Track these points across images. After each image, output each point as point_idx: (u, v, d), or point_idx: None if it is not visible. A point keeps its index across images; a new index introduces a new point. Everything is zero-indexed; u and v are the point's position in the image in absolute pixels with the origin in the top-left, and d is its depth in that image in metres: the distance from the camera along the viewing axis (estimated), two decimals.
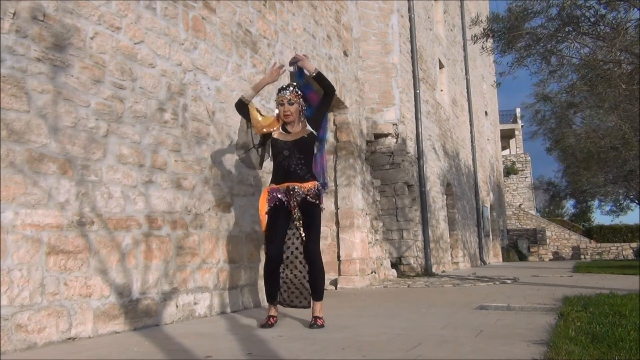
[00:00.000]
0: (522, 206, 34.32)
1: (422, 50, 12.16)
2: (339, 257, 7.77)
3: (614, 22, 7.02)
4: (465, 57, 17.28)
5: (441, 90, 14.31)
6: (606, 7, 7.10)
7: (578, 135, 14.23)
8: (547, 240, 29.14)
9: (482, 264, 17.02)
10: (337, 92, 7.59)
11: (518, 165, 35.63)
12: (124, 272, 3.60)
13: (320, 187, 3.82)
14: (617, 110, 10.26)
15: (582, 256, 27.64)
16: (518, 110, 37.37)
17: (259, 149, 4.08)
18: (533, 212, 34.43)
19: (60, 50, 3.28)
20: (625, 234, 31.38)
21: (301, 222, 3.78)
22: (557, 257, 28.96)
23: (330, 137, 7.97)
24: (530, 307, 4.63)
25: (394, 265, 9.70)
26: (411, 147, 10.73)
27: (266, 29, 5.78)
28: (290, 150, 3.75)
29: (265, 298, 3.89)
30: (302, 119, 3.86)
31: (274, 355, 2.71)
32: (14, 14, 3.01)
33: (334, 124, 8.16)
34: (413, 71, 11.21)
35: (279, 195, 3.74)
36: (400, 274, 9.60)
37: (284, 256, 3.88)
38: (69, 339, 3.16)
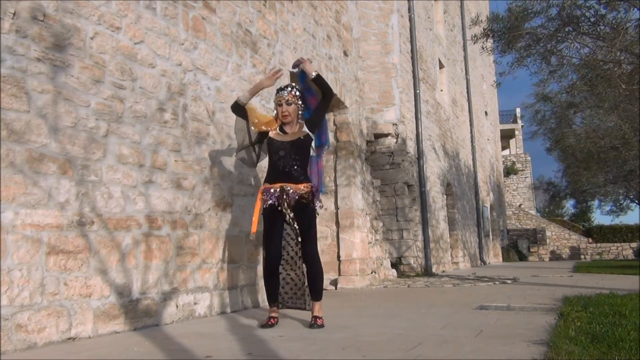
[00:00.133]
0: (522, 206, 34.32)
1: (422, 50, 12.16)
2: (339, 257, 7.77)
3: (614, 22, 7.02)
4: (465, 57, 17.28)
5: (441, 90, 14.31)
6: (606, 7, 7.10)
7: (578, 135, 14.23)
8: (547, 240, 29.14)
9: (482, 264, 17.02)
10: (337, 92, 7.60)
11: (518, 165, 35.64)
12: (124, 272, 3.60)
13: (314, 189, 3.82)
14: (617, 110, 10.26)
15: (582, 256, 27.64)
16: (518, 110, 37.38)
17: (256, 147, 4.09)
18: (533, 212, 34.43)
19: (60, 50, 3.28)
20: (625, 234, 31.37)
21: (295, 223, 3.78)
22: (556, 257, 28.97)
23: (330, 137, 7.97)
24: (530, 307, 4.63)
25: (394, 265, 9.70)
26: (411, 147, 10.73)
27: (266, 29, 5.78)
28: (286, 150, 3.75)
29: (266, 299, 3.89)
30: (300, 120, 3.87)
31: (274, 355, 2.71)
32: (14, 14, 3.01)
33: (334, 124, 8.16)
34: (413, 71, 11.21)
35: (272, 198, 3.73)
36: (400, 274, 9.60)
37: (283, 258, 3.89)
38: (69, 339, 3.16)
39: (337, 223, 7.86)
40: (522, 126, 36.65)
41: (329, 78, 7.41)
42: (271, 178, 3.80)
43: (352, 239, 7.74)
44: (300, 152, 3.79)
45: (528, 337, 3.05)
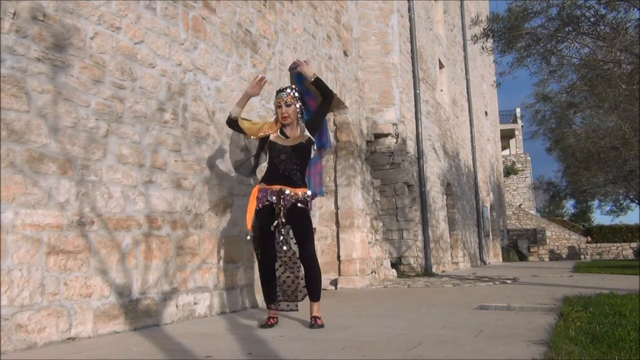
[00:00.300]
0: (522, 206, 34.33)
1: (422, 50, 12.16)
2: (339, 257, 7.77)
3: (614, 22, 7.02)
4: (465, 57, 17.28)
5: (441, 90, 14.31)
6: (606, 7, 7.10)
7: (578, 135, 14.24)
8: (547, 241, 29.15)
9: (482, 264, 17.02)
10: (337, 92, 7.60)
11: (518, 165, 35.64)
12: (124, 272, 3.60)
13: (309, 195, 3.81)
14: (617, 110, 10.26)
15: (582, 256, 27.64)
16: (518, 110, 37.38)
17: (254, 160, 4.08)
18: (533, 212, 34.43)
19: (60, 50, 3.28)
20: (625, 234, 31.39)
21: (287, 226, 3.77)
22: (555, 257, 28.97)
23: (330, 137, 7.97)
24: (530, 307, 4.63)
25: (394, 265, 9.70)
26: (411, 147, 10.73)
27: (266, 29, 5.78)
28: (287, 154, 3.74)
29: (264, 301, 3.88)
30: (300, 122, 3.86)
31: (274, 355, 2.71)
32: (14, 14, 3.01)
33: (334, 124, 8.16)
34: (413, 71, 11.21)
35: (269, 197, 3.72)
36: (400, 274, 9.61)
37: (279, 259, 3.88)
38: (69, 339, 3.16)
39: (337, 223, 7.86)
40: (522, 126, 36.65)
41: (329, 78, 7.41)
42: (269, 179, 3.79)
43: (352, 239, 7.74)
44: (301, 157, 3.79)
45: (528, 337, 3.05)
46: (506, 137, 37.63)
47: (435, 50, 13.59)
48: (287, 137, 3.81)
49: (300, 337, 3.28)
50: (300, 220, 3.74)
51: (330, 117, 8.01)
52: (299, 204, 3.73)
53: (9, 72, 2.96)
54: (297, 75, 4.04)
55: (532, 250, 27.72)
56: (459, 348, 2.79)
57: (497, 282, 7.97)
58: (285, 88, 3.89)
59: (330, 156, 8.00)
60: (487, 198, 19.76)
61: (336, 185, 7.94)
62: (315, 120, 3.90)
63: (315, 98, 3.99)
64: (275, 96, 3.91)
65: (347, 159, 8.02)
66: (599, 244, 28.85)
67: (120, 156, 3.66)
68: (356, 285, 7.52)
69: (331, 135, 8.06)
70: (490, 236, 19.77)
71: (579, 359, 2.40)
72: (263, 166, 4.28)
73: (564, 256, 29.33)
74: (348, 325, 3.76)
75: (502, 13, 8.12)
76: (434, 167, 12.49)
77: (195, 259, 4.32)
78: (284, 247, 3.83)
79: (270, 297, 3.82)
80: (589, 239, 30.63)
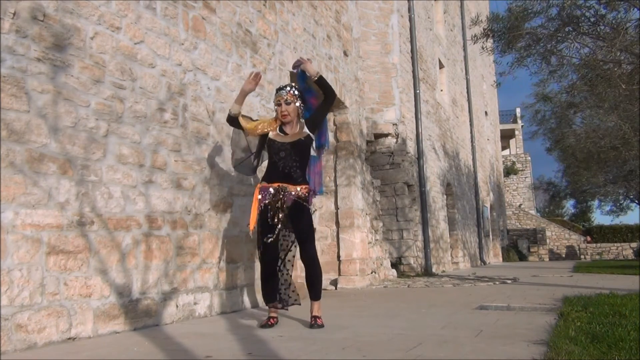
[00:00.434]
0: (522, 206, 34.32)
1: (422, 50, 12.16)
2: (339, 257, 7.77)
3: (614, 22, 7.03)
4: (465, 57, 17.28)
5: (441, 90, 14.31)
6: (606, 7, 7.10)
7: (578, 135, 14.25)
8: (547, 241, 29.15)
9: (482, 264, 17.02)
10: (337, 92, 7.59)
11: (518, 165, 35.64)
12: (124, 272, 3.60)
13: (311, 192, 3.81)
14: (617, 110, 10.26)
15: (582, 256, 27.64)
16: (518, 110, 37.38)
17: (254, 158, 4.08)
18: (533, 212, 34.43)
19: (60, 50, 3.28)
20: (625, 234, 31.39)
21: (288, 224, 3.78)
22: (555, 257, 28.97)
23: (330, 137, 7.97)
24: (530, 307, 4.63)
25: (394, 265, 9.70)
26: (411, 147, 10.73)
27: (266, 29, 5.78)
28: (286, 152, 3.74)
29: (264, 300, 3.88)
30: (300, 120, 3.86)
31: (274, 355, 2.71)
32: (14, 14, 3.01)
33: (334, 124, 8.16)
34: (413, 71, 11.21)
35: (269, 196, 3.71)
36: (400, 274, 9.60)
37: (280, 258, 3.89)
38: (69, 339, 3.16)
39: (337, 223, 7.86)
40: (522, 126, 36.65)
41: (329, 78, 7.41)
42: (270, 177, 3.79)
43: (352, 239, 7.74)
44: (301, 154, 3.78)
45: (528, 337, 3.05)
46: (506, 137, 37.62)
47: (435, 50, 13.59)
48: (286, 134, 3.81)
49: (300, 337, 3.28)
50: (301, 219, 3.74)
51: (330, 117, 8.01)
52: (300, 201, 3.72)
53: (9, 72, 2.96)
54: (300, 73, 4.04)
55: (532, 250, 27.73)
56: (459, 348, 2.79)
57: (497, 282, 7.97)
58: (285, 86, 3.88)
59: (330, 156, 8.00)
60: (487, 198, 19.77)
61: (336, 185, 7.94)
62: (316, 119, 3.89)
63: (317, 96, 3.99)
64: (275, 94, 3.90)
65: (347, 159, 8.02)
66: (599, 244, 28.85)
67: (120, 156, 3.66)
68: (356, 285, 7.52)
69: (331, 135, 8.06)
70: (490, 236, 19.77)
71: (579, 359, 2.40)
72: (264, 165, 4.29)
73: (563, 256, 29.34)
74: (348, 325, 3.76)
75: (502, 13, 8.13)
76: (434, 167, 12.49)
77: (195, 259, 4.32)
78: (285, 243, 3.85)
79: (270, 296, 3.82)
80: (588, 238, 30.62)
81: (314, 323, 3.65)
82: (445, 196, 13.59)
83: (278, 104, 3.83)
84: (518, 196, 35.25)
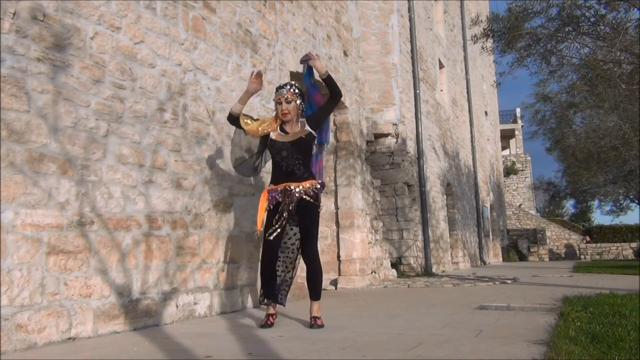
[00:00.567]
0: (522, 206, 34.32)
1: (422, 50, 12.16)
2: (339, 257, 7.77)
3: (614, 22, 7.03)
4: (465, 57, 17.28)
5: (441, 90, 14.31)
6: (606, 7, 7.11)
7: (578, 135, 14.25)
8: (547, 241, 29.15)
9: (482, 264, 17.02)
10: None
11: (518, 165, 35.63)
12: (124, 272, 3.60)
13: (319, 186, 3.81)
14: (617, 110, 10.27)
15: (582, 256, 27.64)
16: (518, 110, 37.36)
17: (256, 159, 4.08)
18: (533, 212, 34.43)
19: (60, 50, 3.28)
20: (625, 234, 31.37)
21: (295, 222, 3.78)
22: (555, 257, 28.98)
23: (330, 137, 7.97)
24: (530, 307, 4.63)
25: (394, 265, 9.70)
26: (411, 147, 10.73)
27: (266, 29, 5.78)
28: (288, 150, 3.74)
29: (264, 297, 3.88)
30: (301, 118, 3.85)
31: (274, 355, 2.71)
32: (14, 14, 3.01)
33: (334, 124, 8.16)
34: (413, 71, 11.20)
35: (277, 197, 3.73)
36: (400, 274, 9.60)
37: (283, 256, 3.89)
38: (69, 339, 3.16)
39: (337, 223, 7.86)
40: (522, 126, 36.64)
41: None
42: (276, 179, 3.80)
43: (352, 239, 7.74)
44: (302, 151, 3.77)
45: (528, 337, 3.05)
46: (506, 137, 37.61)
47: (435, 50, 13.59)
48: (286, 133, 3.81)
49: (300, 337, 3.28)
50: (306, 217, 3.74)
51: (330, 117, 8.00)
52: (307, 198, 3.72)
53: (9, 72, 2.96)
54: (306, 68, 4.03)
55: (532, 250, 27.73)
56: (458, 348, 2.79)
57: (497, 282, 7.97)
58: (285, 84, 3.88)
59: (330, 156, 8.00)
60: (487, 198, 19.77)
61: (336, 185, 7.94)
62: (319, 116, 3.89)
63: (322, 93, 3.98)
64: (275, 92, 3.89)
65: (347, 159, 8.02)
66: (599, 244, 28.84)
67: (120, 156, 3.66)
68: (356, 285, 7.52)
69: (331, 135, 8.06)
70: (490, 236, 19.77)
71: (579, 359, 2.40)
72: (268, 166, 4.28)
73: (563, 256, 29.34)
74: (348, 325, 3.76)
75: (502, 13, 8.13)
76: (434, 167, 12.49)
77: (195, 259, 4.32)
78: (289, 241, 3.85)
79: (269, 294, 3.81)
80: (587, 238, 30.60)
81: (314, 323, 3.65)
82: (445, 196, 13.59)
83: (279, 103, 3.82)
84: (518, 196, 35.25)
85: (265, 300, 3.81)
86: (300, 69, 4.19)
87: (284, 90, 3.81)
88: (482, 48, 9.36)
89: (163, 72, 4.15)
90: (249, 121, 3.89)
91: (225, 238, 4.74)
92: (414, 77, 11.20)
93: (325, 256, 7.64)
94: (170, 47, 4.25)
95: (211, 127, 4.72)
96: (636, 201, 21.91)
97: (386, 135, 10.23)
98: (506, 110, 40.05)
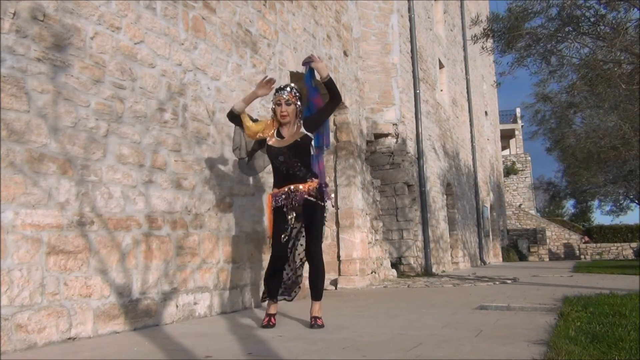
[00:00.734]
0: (522, 206, 34.32)
1: (422, 50, 12.16)
2: (339, 257, 7.77)
3: (614, 22, 7.03)
4: (465, 57, 17.28)
5: (441, 90, 14.31)
6: (606, 7, 7.11)
7: (578, 135, 14.25)
8: (547, 241, 29.14)
9: (482, 264, 17.02)
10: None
11: (518, 165, 35.63)
12: (124, 272, 3.60)
13: (323, 186, 3.81)
14: (617, 110, 10.27)
15: (583, 256, 27.64)
16: (518, 110, 37.36)
17: (250, 159, 4.07)
18: (533, 212, 34.42)
19: (60, 50, 3.28)
20: (625, 234, 31.36)
21: (300, 223, 3.78)
22: (555, 257, 28.98)
23: (330, 137, 7.97)
24: (530, 307, 4.63)
25: (394, 265, 9.70)
26: (411, 147, 10.73)
27: (266, 29, 5.78)
28: (285, 155, 3.72)
29: (267, 295, 3.88)
30: (299, 121, 3.83)
31: (274, 355, 2.71)
32: (14, 14, 3.01)
33: (334, 124, 8.16)
34: (413, 71, 11.20)
35: (280, 200, 3.73)
36: (400, 274, 9.60)
37: (290, 257, 3.90)
38: (69, 339, 3.16)
39: (337, 223, 7.86)
40: (522, 126, 36.64)
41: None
42: (278, 183, 3.79)
43: (352, 239, 7.74)
44: (300, 154, 3.75)
45: (528, 337, 3.05)
46: (506, 137, 37.61)
47: (435, 50, 13.59)
48: (283, 137, 3.79)
49: (300, 337, 3.28)
50: (311, 217, 3.74)
51: (330, 117, 8.00)
52: (311, 198, 3.72)
53: (9, 72, 2.96)
54: (309, 70, 4.01)
55: (532, 250, 27.72)
56: (458, 348, 2.79)
57: (497, 282, 7.97)
58: (286, 86, 3.84)
59: (330, 156, 8.00)
60: (487, 198, 19.77)
61: (336, 185, 7.94)
62: (317, 119, 3.87)
63: (322, 96, 3.97)
64: (275, 93, 3.83)
65: (347, 159, 8.02)
66: (599, 244, 28.83)
67: (120, 156, 3.66)
68: (356, 285, 7.52)
69: (331, 135, 8.05)
70: (490, 236, 19.77)
71: (579, 359, 2.40)
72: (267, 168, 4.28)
73: (563, 256, 29.33)
74: (348, 325, 3.76)
75: (502, 13, 8.13)
76: (434, 167, 12.49)
77: (195, 259, 4.32)
78: (297, 242, 3.86)
79: (273, 292, 3.81)
80: (586, 238, 30.58)
81: (314, 323, 3.65)
82: (445, 196, 13.59)
83: (278, 104, 3.79)
84: (518, 196, 35.24)
85: (268, 299, 3.81)
86: (300, 69, 4.18)
87: (285, 92, 3.78)
88: (482, 48, 9.36)
89: (163, 72, 4.15)
90: (249, 122, 3.89)
91: (225, 238, 4.74)
92: (414, 77, 11.20)
93: (325, 256, 7.56)
94: (170, 47, 4.25)
95: (211, 127, 4.72)
96: (636, 201, 21.91)
97: (386, 135, 10.23)
98: (506, 110, 40.07)
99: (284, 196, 3.72)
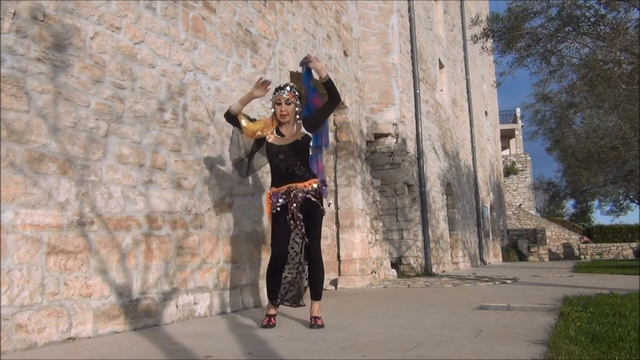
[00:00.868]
0: (522, 206, 34.31)
1: (422, 50, 12.16)
2: (339, 257, 7.77)
3: (614, 22, 7.03)
4: (465, 57, 17.28)
5: (441, 90, 14.31)
6: (606, 7, 7.11)
7: (578, 135, 14.26)
8: (547, 241, 29.14)
9: (482, 264, 17.02)
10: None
11: (518, 165, 35.63)
12: (124, 272, 3.60)
13: (321, 185, 3.80)
14: (617, 110, 10.27)
15: (583, 256, 27.64)
16: (518, 110, 37.36)
17: (249, 160, 4.07)
18: (533, 212, 34.42)
19: (60, 50, 3.28)
20: (625, 234, 31.36)
21: (301, 224, 3.78)
22: (555, 257, 28.98)
23: (330, 137, 7.96)
24: (530, 307, 4.63)
25: (394, 265, 9.70)
26: (411, 147, 10.73)
27: (266, 29, 5.78)
28: (285, 154, 3.73)
29: (267, 296, 3.88)
30: (298, 120, 3.83)
31: (274, 355, 2.71)
32: (14, 14, 3.01)
33: (334, 124, 8.16)
34: (413, 71, 11.20)
35: (280, 200, 3.72)
36: (400, 274, 9.60)
37: (289, 257, 3.89)
38: (69, 339, 3.16)
39: (337, 223, 7.86)
40: (522, 126, 36.64)
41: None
42: (277, 182, 3.78)
43: (352, 239, 7.74)
44: (300, 154, 3.76)
45: (528, 337, 3.05)
46: (506, 137, 37.61)
47: (435, 50, 13.59)
48: (283, 136, 3.80)
49: (300, 337, 3.28)
50: (311, 217, 3.74)
51: (330, 117, 7.98)
52: (311, 198, 3.72)
53: (9, 72, 2.96)
54: (307, 71, 4.00)
55: (532, 250, 27.72)
56: (458, 348, 2.79)
57: (497, 282, 7.97)
58: (285, 85, 3.84)
59: (330, 156, 8.00)
60: (487, 198, 19.77)
61: (336, 185, 7.94)
62: (316, 119, 3.87)
63: (321, 96, 3.97)
64: (275, 93, 3.83)
65: (347, 159, 8.02)
66: (599, 244, 28.83)
67: (120, 156, 3.66)
68: (356, 285, 7.51)
69: (331, 135, 8.06)
70: (490, 236, 19.77)
71: (579, 359, 2.40)
72: (264, 169, 4.28)
73: (562, 256, 29.33)
74: (348, 325, 3.76)
75: (502, 13, 8.13)
76: (434, 167, 12.49)
77: (195, 259, 4.32)
78: (294, 245, 3.85)
79: (274, 293, 3.81)
80: (585, 238, 30.56)
81: (314, 323, 3.65)
82: (445, 196, 13.59)
83: (277, 103, 3.78)
84: (518, 196, 35.24)
85: (268, 299, 3.82)
86: (300, 69, 4.17)
87: (284, 91, 3.78)
88: (482, 48, 9.36)
89: (163, 72, 4.15)
90: (246, 122, 3.88)
91: (225, 238, 4.74)
92: (414, 77, 11.20)
93: (325, 256, 7.58)
94: (170, 47, 4.25)
95: (211, 127, 4.72)
96: (636, 201, 21.92)
97: (386, 135, 10.23)
98: (506, 110, 40.06)
99: (284, 195, 3.71)
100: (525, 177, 35.37)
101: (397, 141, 10.30)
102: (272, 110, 3.85)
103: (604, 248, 28.11)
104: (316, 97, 3.99)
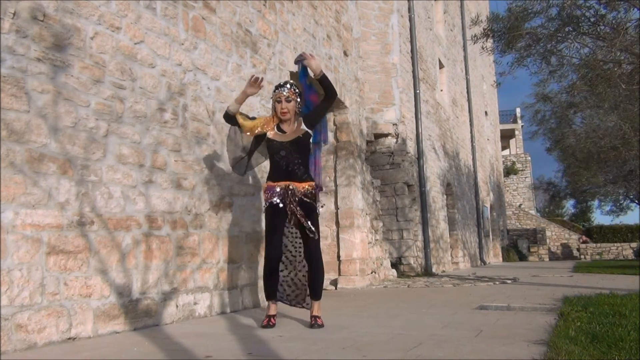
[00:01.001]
0: (522, 206, 34.31)
1: (422, 50, 12.16)
2: (339, 257, 7.77)
3: (614, 22, 7.03)
4: (465, 57, 17.28)
5: (441, 90, 14.31)
6: (606, 7, 7.11)
7: (578, 135, 14.27)
8: (547, 241, 29.14)
9: (482, 264, 17.02)
10: (337, 93, 7.59)
11: (518, 165, 35.63)
12: (124, 272, 3.60)
13: (316, 188, 3.81)
14: (617, 110, 10.28)
15: (582, 256, 27.64)
16: (518, 110, 37.36)
17: (248, 159, 4.07)
18: (533, 212, 34.42)
19: (60, 50, 3.28)
20: (625, 234, 31.36)
21: (306, 220, 3.78)
22: (555, 257, 28.98)
23: (330, 137, 7.97)
24: (530, 307, 4.63)
25: (394, 265, 9.70)
26: (411, 147, 10.73)
27: (266, 29, 5.78)
28: (287, 150, 3.73)
29: (265, 296, 3.88)
30: (298, 117, 3.84)
31: (274, 355, 2.71)
32: (14, 14, 3.01)
33: (334, 124, 8.16)
34: (413, 71, 11.20)
35: (275, 197, 3.72)
36: (400, 274, 9.60)
37: (284, 256, 3.89)
38: (69, 339, 3.16)
39: (337, 223, 7.86)
40: (522, 126, 36.64)
41: (329, 78, 7.40)
42: (275, 177, 3.78)
43: (352, 239, 7.74)
44: (301, 151, 3.78)
45: (528, 337, 3.05)
46: (506, 137, 37.61)
47: (435, 50, 13.59)
48: (284, 132, 3.80)
49: (300, 337, 3.28)
50: (308, 217, 3.73)
51: (330, 117, 8.00)
52: (306, 199, 3.72)
53: (9, 72, 2.96)
54: (302, 68, 4.00)
55: (532, 250, 27.72)
56: (458, 348, 2.79)
57: (497, 282, 7.97)
58: (285, 83, 3.85)
59: (330, 156, 8.00)
60: (487, 198, 19.76)
61: (336, 185, 7.94)
62: (314, 117, 3.87)
63: (318, 93, 3.97)
64: (275, 90, 3.85)
65: (347, 159, 8.02)
66: (599, 244, 28.83)
67: (120, 156, 3.66)
68: (356, 285, 7.51)
69: (331, 135, 8.06)
70: (490, 236, 19.77)
71: (579, 359, 2.40)
72: (263, 165, 4.28)
73: (563, 256, 29.33)
74: (348, 325, 3.76)
75: (502, 13, 8.14)
76: (434, 167, 12.49)
77: (195, 259, 4.32)
78: (295, 243, 3.85)
79: (271, 293, 3.81)
80: (584, 238, 30.55)
81: (314, 323, 3.65)
82: (445, 196, 13.60)
83: (278, 101, 3.79)
84: (518, 196, 35.24)
85: (267, 299, 3.81)
86: (297, 68, 4.17)
87: (285, 89, 3.79)
88: (482, 48, 9.36)
89: (163, 72, 4.15)
90: (245, 120, 3.88)
91: (225, 238, 4.74)
92: (414, 77, 11.20)
93: (325, 256, 7.59)
94: (170, 47, 4.25)
95: (211, 127, 4.72)
96: (636, 201, 21.92)
97: (386, 135, 10.23)
98: (506, 110, 40.06)
99: (282, 192, 3.71)
100: (525, 177, 35.37)
101: (397, 141, 10.30)
102: (273, 108, 3.86)
103: (604, 248, 28.11)
104: (313, 94, 3.99)
